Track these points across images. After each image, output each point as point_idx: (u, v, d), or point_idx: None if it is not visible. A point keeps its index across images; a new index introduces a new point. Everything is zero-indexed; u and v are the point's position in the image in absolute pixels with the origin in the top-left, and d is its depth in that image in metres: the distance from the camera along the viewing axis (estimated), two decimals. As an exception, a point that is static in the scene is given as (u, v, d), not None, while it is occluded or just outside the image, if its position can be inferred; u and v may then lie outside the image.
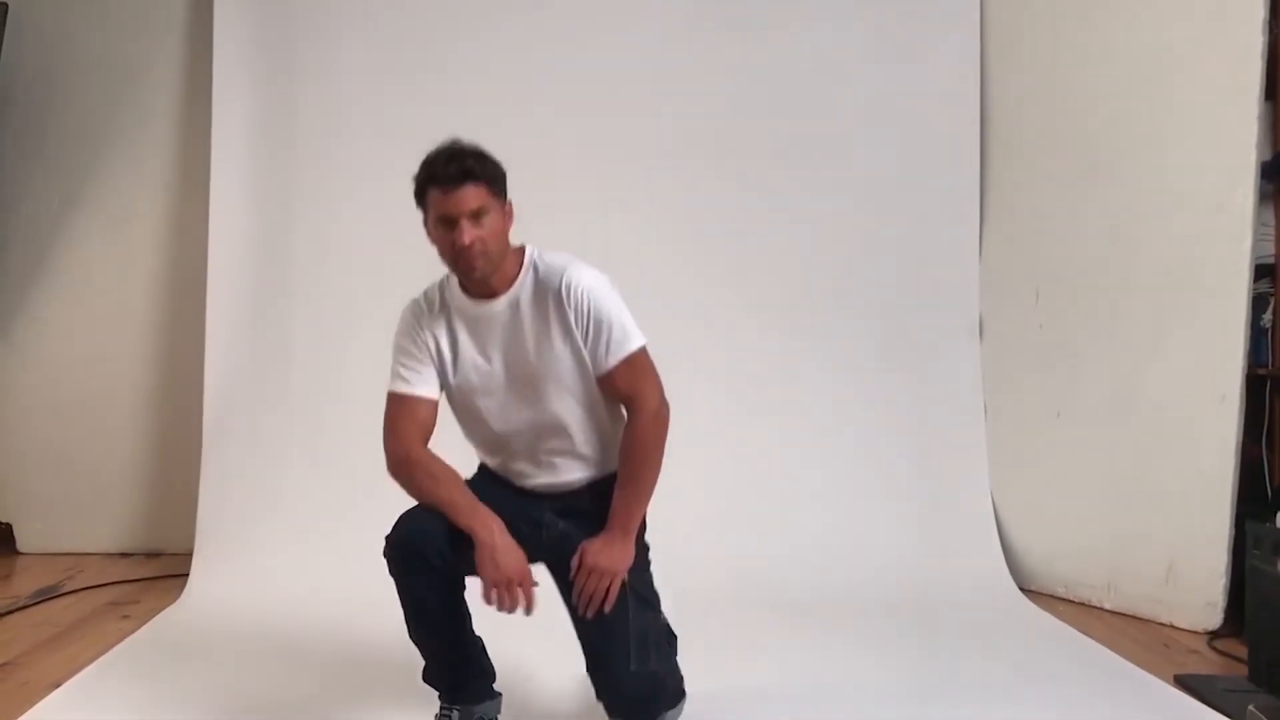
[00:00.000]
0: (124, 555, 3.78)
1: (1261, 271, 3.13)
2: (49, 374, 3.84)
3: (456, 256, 1.94)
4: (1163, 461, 3.12)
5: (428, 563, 1.93)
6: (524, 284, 2.01)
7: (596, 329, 1.99)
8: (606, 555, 1.99)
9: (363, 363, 3.54)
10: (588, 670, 2.05)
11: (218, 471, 3.50)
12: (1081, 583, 3.31)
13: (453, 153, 1.95)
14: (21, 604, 3.15)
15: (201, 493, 3.48)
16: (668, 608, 2.24)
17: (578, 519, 2.07)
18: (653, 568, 2.17)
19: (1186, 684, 2.51)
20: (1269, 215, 3.19)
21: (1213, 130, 3.03)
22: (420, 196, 1.98)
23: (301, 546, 3.35)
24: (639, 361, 2.03)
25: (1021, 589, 3.35)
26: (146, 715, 2.27)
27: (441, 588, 1.96)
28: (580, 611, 1.98)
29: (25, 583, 3.40)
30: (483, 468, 2.19)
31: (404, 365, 2.03)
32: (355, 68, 3.69)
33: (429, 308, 2.06)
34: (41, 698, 2.34)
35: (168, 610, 3.06)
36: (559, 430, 2.05)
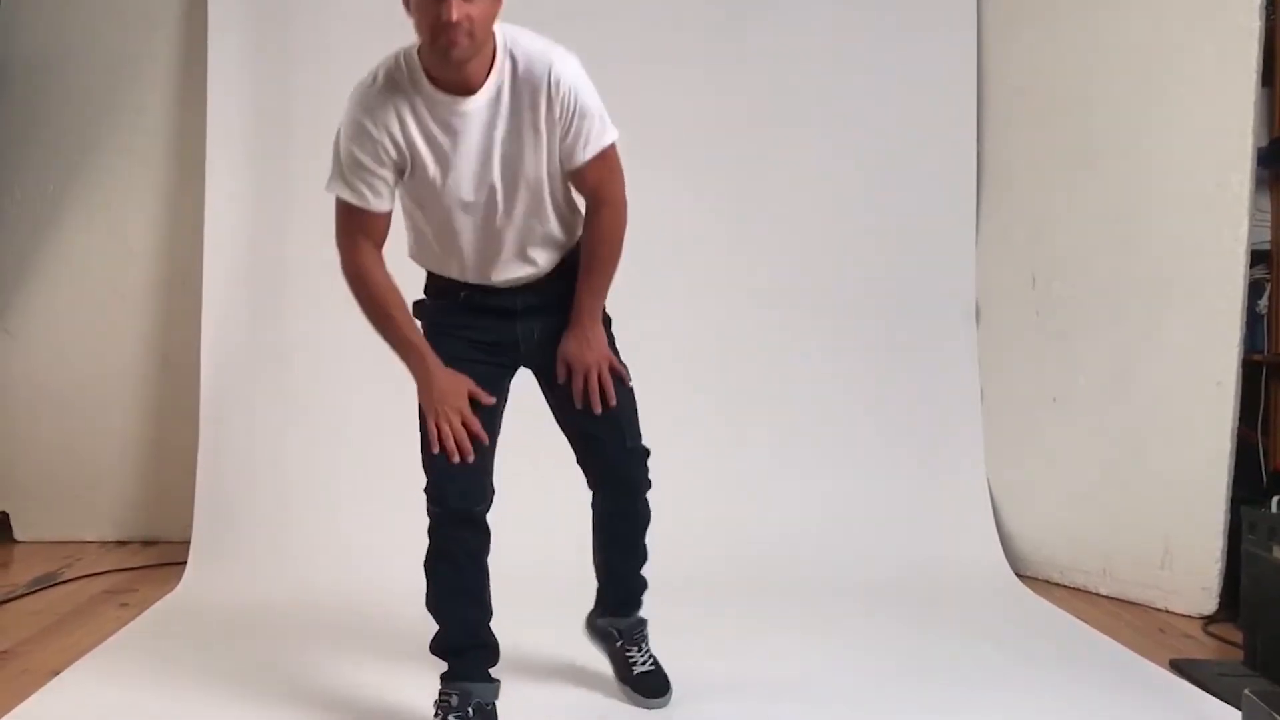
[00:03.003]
0: (121, 543, 3.78)
1: (1257, 257, 3.14)
2: (45, 362, 3.83)
3: (437, 33, 1.78)
4: (1158, 447, 3.13)
5: (476, 524, 1.99)
6: (502, 76, 1.90)
7: (580, 122, 1.94)
8: (588, 348, 2.06)
9: (361, 351, 3.54)
10: (583, 460, 2.18)
11: (215, 460, 3.49)
12: (1077, 568, 3.32)
13: None
14: (19, 592, 3.14)
15: (199, 481, 3.47)
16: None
17: (546, 313, 2.09)
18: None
19: (1182, 669, 2.52)
20: (1265, 201, 3.21)
21: (1209, 116, 3.03)
22: None
23: (298, 534, 3.36)
24: (611, 155, 2.01)
25: (1017, 574, 3.36)
26: (145, 703, 2.27)
27: (481, 550, 2.02)
28: (595, 408, 2.07)
29: (22, 571, 3.40)
30: (433, 296, 2.12)
31: (359, 178, 1.91)
32: (352, 50, 3.64)
33: (390, 107, 1.89)
34: (40, 685, 2.34)
35: (165, 598, 3.06)
36: (536, 226, 2.02)
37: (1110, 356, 3.28)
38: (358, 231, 1.96)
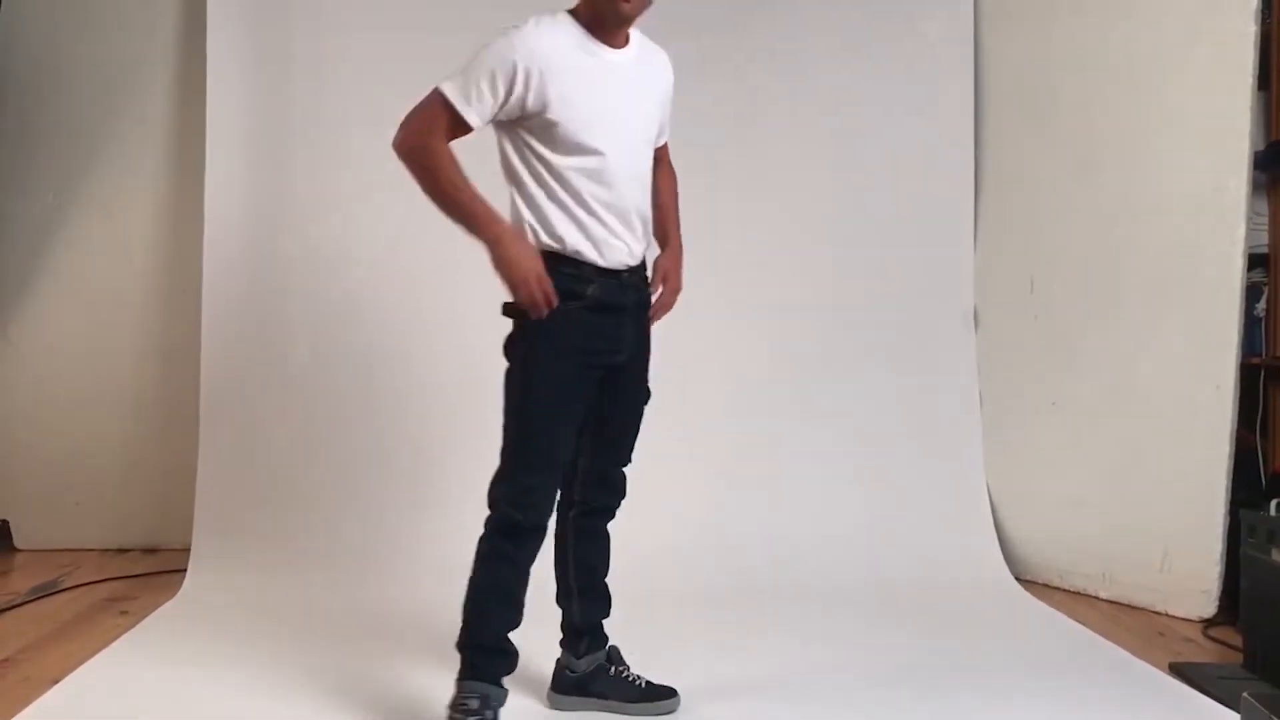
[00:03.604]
0: (121, 551, 3.77)
1: (1255, 261, 3.15)
2: (45, 370, 3.82)
3: None
4: (1157, 450, 3.13)
5: (542, 532, 2.08)
6: (634, 43, 2.12)
7: (670, 105, 2.23)
8: (680, 268, 2.25)
9: (361, 357, 3.58)
10: (591, 476, 2.20)
11: (214, 467, 3.49)
12: (1077, 572, 3.33)
13: None
14: (19, 600, 3.14)
15: (198, 488, 3.47)
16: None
17: (638, 315, 2.16)
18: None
19: (1181, 672, 2.53)
20: (1262, 205, 3.21)
21: (1206, 120, 3.04)
22: None
23: (299, 541, 3.35)
24: None
25: (1017, 578, 3.36)
26: (145, 710, 2.27)
27: (535, 554, 2.09)
28: (654, 319, 2.21)
29: (23, 579, 3.40)
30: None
31: (476, 86, 1.97)
32: (350, 56, 3.67)
33: (545, 43, 1.98)
34: (41, 693, 2.33)
35: (165, 606, 3.05)
36: (643, 192, 2.13)
37: (1109, 360, 3.29)
38: (438, 121, 2.00)
